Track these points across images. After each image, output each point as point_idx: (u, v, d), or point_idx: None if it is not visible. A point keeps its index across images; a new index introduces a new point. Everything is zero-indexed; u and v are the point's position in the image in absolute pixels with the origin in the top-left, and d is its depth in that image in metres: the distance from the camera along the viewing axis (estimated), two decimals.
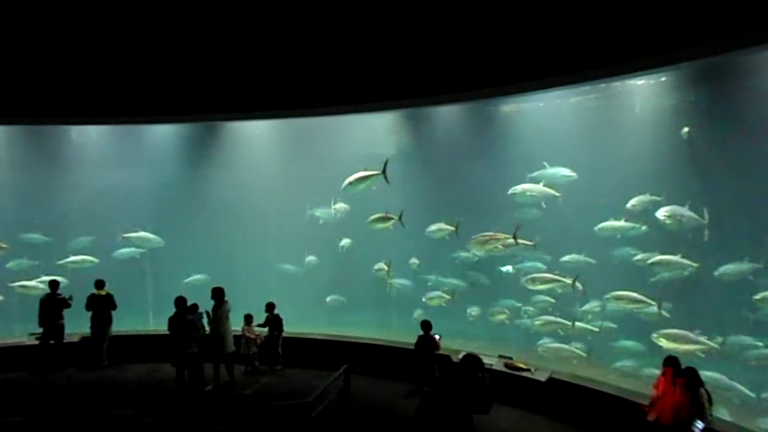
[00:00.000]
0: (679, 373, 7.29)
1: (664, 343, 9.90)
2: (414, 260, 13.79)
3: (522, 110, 12.17)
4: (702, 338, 9.56)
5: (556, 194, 11.45)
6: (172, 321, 10.78)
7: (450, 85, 10.19)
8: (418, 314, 13.04)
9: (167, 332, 10.88)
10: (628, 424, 8.05)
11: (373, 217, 12.50)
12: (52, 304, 12.21)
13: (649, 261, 10.46)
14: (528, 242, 11.03)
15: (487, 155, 12.57)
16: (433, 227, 12.60)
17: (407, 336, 12.47)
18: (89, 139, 14.76)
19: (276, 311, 12.10)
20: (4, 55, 11.25)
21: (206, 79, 11.57)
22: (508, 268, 12.71)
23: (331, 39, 10.87)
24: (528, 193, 11.59)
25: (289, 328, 12.31)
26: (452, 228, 12.27)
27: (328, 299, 14.64)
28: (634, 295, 10.39)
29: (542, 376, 9.95)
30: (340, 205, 13.91)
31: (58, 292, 12.34)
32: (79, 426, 7.79)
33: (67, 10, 10.95)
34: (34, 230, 14.30)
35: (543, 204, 11.57)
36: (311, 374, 11.42)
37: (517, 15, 9.17)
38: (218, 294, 11.03)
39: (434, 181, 13.10)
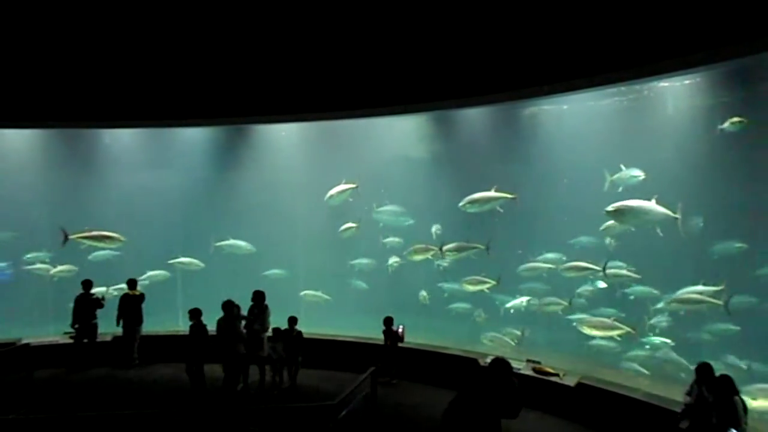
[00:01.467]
0: (712, 380, 7.12)
1: (586, 330, 10.78)
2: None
3: (552, 112, 11.99)
4: (619, 323, 10.42)
5: (510, 196, 11.52)
6: (222, 323, 10.69)
7: (479, 87, 10.18)
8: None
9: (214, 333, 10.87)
10: (660, 431, 7.91)
11: (413, 248, 13.05)
12: (86, 304, 12.52)
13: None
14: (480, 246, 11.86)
15: (518, 158, 12.42)
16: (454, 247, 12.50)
17: (435, 340, 12.54)
18: (121, 142, 15.06)
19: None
20: (41, 61, 11.57)
21: (235, 83, 11.75)
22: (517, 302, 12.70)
23: (358, 41, 10.94)
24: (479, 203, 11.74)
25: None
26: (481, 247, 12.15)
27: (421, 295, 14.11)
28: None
29: (571, 381, 9.83)
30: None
31: (92, 292, 12.63)
32: (110, 423, 7.95)
33: (96, 16, 11.23)
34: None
35: (499, 208, 11.67)
36: (337, 376, 11.49)
37: (546, 16, 9.11)
38: (259, 297, 11.09)
39: (463, 184, 13.00)
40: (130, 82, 11.88)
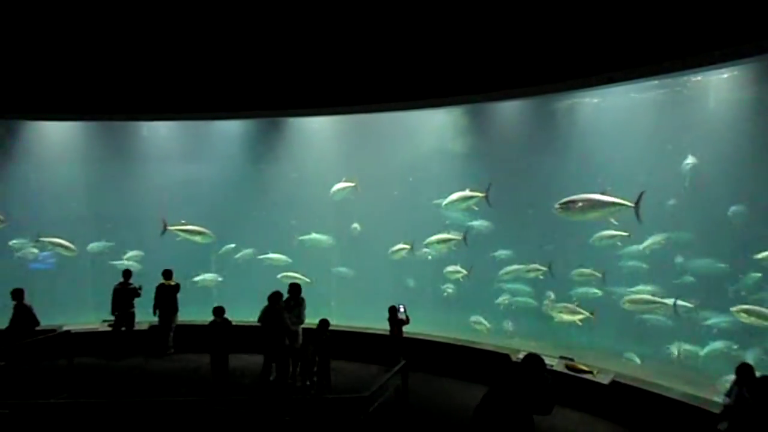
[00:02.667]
0: (753, 381, 6.93)
1: (555, 315, 11.59)
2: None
3: (589, 105, 11.72)
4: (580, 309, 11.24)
5: (479, 195, 11.99)
6: (266, 314, 10.78)
7: (518, 80, 10.04)
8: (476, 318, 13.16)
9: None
10: None
11: (433, 238, 13.17)
12: (124, 293, 12.85)
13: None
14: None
15: (554, 151, 12.18)
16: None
17: (466, 334, 12.51)
18: (159, 134, 15.35)
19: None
20: (81, 54, 11.83)
21: (272, 76, 11.83)
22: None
23: (393, 33, 10.93)
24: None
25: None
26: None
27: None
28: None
29: (605, 379, 9.67)
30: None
31: (130, 281, 12.95)
32: (147, 410, 8.15)
33: (137, 10, 11.44)
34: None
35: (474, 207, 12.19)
36: (369, 370, 11.55)
37: (583, 8, 8.95)
38: (295, 290, 11.24)
39: (499, 177, 12.87)
40: (168, 75, 12.07)
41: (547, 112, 12.15)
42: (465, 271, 13.12)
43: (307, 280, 14.10)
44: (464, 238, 12.86)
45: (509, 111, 12.43)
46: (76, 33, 11.66)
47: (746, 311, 9.49)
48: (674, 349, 10.58)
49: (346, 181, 14.11)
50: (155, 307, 12.97)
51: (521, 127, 12.34)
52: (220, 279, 15.17)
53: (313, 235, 14.87)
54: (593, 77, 9.30)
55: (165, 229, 13.83)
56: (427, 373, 11.40)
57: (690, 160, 10.22)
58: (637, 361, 10.81)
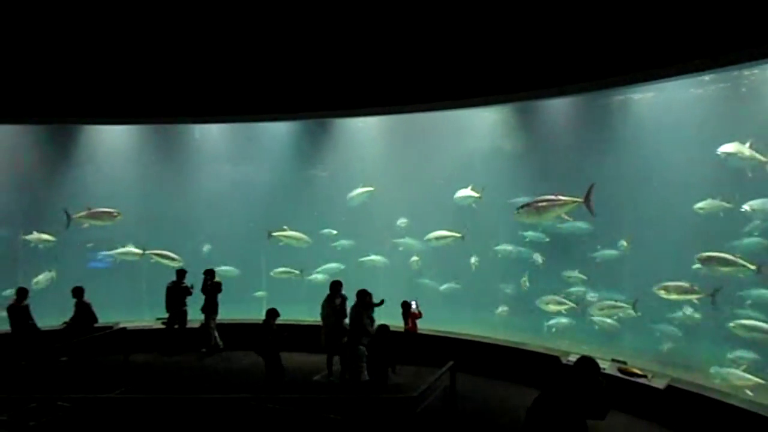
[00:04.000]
0: None
1: (543, 306, 12.12)
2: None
3: (643, 101, 11.27)
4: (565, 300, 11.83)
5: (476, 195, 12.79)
6: (355, 311, 10.67)
7: (574, 75, 9.78)
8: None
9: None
10: None
11: (432, 234, 13.68)
12: (177, 292, 13.21)
13: None
14: None
15: (605, 150, 11.82)
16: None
17: (513, 335, 12.33)
18: (211, 137, 15.68)
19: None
20: (137, 60, 12.19)
21: (322, 76, 11.91)
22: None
23: (439, 32, 10.85)
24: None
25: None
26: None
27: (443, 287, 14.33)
28: None
29: (660, 384, 9.35)
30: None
31: (183, 281, 13.30)
32: (198, 407, 8.35)
33: (188, 13, 11.69)
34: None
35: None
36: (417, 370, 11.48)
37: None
38: (336, 287, 11.20)
39: (548, 177, 12.61)
40: (216, 78, 12.31)
41: (598, 109, 11.80)
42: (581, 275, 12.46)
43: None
44: (463, 237, 13.46)
45: (560, 108, 12.11)
46: (130, 38, 12.01)
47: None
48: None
49: (363, 186, 14.54)
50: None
51: (573, 124, 12.01)
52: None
53: (407, 239, 14.79)
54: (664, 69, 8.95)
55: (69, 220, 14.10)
56: (475, 375, 11.25)
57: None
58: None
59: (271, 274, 15.16)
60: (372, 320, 10.91)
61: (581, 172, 11.56)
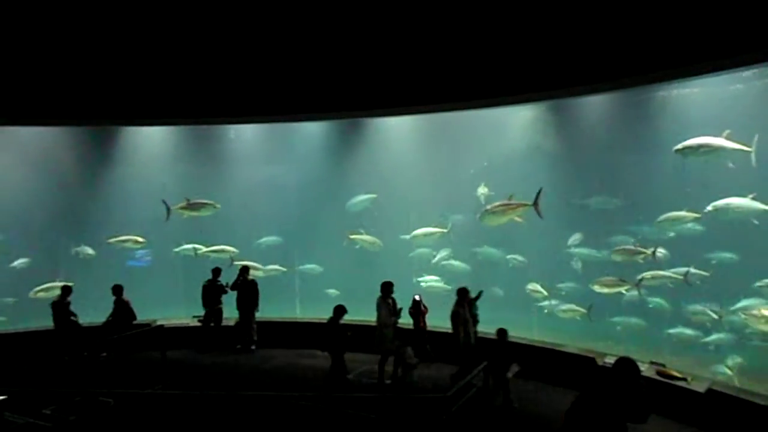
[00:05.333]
0: None
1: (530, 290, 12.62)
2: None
3: (683, 96, 10.86)
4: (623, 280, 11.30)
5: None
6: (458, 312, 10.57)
7: (610, 72, 9.58)
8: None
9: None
10: None
11: (419, 231, 13.85)
12: (212, 290, 13.42)
13: None
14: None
15: (645, 148, 11.48)
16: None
17: (548, 336, 12.18)
18: (245, 137, 15.85)
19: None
20: (171, 60, 12.39)
21: (356, 77, 11.90)
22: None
23: (471, 30, 10.76)
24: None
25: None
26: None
27: None
28: None
29: (700, 387, 9.12)
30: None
31: (218, 279, 13.50)
32: (235, 403, 8.47)
33: (220, 16, 11.85)
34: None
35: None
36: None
37: None
38: (388, 288, 10.83)
39: (581, 176, 12.40)
40: (252, 80, 12.42)
41: (635, 105, 11.47)
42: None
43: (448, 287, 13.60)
44: (449, 232, 13.68)
45: (595, 105, 11.80)
46: (169, 38, 12.22)
47: None
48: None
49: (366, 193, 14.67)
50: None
51: (609, 122, 11.70)
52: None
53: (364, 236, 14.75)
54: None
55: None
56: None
57: None
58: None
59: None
60: (475, 318, 10.81)
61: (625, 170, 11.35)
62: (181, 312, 14.66)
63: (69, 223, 15.18)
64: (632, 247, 11.15)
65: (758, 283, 9.71)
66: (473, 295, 11.03)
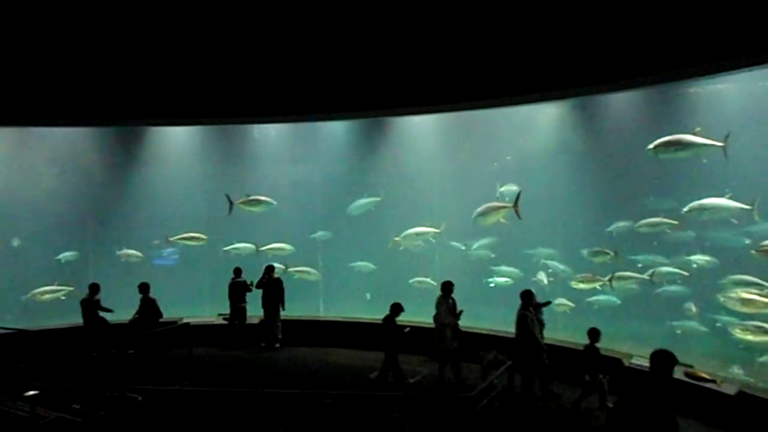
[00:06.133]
0: None
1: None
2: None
3: (712, 92, 10.51)
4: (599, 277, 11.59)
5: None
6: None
7: (636, 68, 9.45)
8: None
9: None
10: None
11: (411, 231, 13.58)
12: (237, 289, 13.57)
13: None
14: None
15: None
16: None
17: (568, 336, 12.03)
18: (269, 136, 15.95)
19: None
20: (196, 61, 12.55)
21: (381, 74, 11.94)
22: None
23: (495, 27, 10.72)
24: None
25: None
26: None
27: None
28: None
29: (730, 390, 8.95)
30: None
31: (242, 277, 13.64)
32: (262, 400, 8.54)
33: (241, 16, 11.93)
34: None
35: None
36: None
37: None
38: (448, 287, 10.58)
39: (605, 174, 12.21)
40: (277, 80, 12.53)
41: (661, 102, 11.26)
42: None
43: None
44: (441, 232, 13.53)
45: (621, 103, 11.57)
46: (196, 41, 12.39)
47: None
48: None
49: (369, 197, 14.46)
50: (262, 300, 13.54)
51: (637, 120, 11.37)
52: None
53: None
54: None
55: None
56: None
57: None
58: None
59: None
60: (541, 324, 10.34)
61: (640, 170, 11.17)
62: (207, 310, 14.81)
63: (100, 223, 15.51)
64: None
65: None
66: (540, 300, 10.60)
